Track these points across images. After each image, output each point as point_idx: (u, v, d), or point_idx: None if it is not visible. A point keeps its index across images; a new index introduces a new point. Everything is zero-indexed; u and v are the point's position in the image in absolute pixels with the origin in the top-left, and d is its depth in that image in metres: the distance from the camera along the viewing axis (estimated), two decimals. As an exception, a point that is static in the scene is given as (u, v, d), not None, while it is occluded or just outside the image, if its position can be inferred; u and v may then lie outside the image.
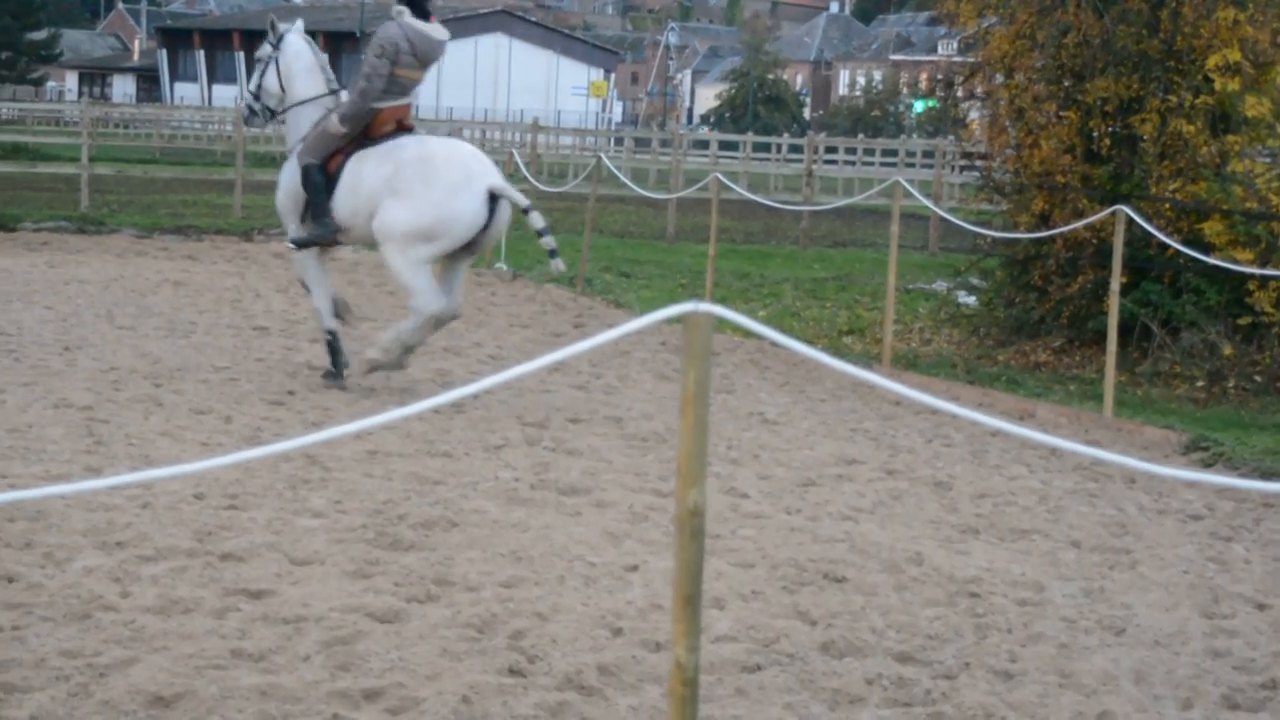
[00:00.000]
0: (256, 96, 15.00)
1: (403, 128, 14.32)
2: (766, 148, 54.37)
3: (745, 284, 24.13)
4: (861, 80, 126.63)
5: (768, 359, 17.18)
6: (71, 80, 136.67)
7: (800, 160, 43.36)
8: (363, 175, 13.97)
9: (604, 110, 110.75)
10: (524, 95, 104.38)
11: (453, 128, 63.23)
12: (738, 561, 9.10)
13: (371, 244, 14.46)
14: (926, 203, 21.85)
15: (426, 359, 15.61)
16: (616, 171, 26.80)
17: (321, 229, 14.16)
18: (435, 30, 14.31)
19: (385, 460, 11.13)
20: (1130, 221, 14.89)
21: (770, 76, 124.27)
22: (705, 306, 4.61)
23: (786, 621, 8.10)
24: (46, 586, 7.99)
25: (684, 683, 4.67)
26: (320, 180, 14.08)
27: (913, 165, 46.36)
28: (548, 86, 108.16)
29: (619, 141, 63.32)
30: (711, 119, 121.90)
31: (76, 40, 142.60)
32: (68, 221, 27.92)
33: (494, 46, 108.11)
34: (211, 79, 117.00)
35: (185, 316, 17.86)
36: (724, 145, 56.60)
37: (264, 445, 11.24)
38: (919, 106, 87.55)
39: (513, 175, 26.99)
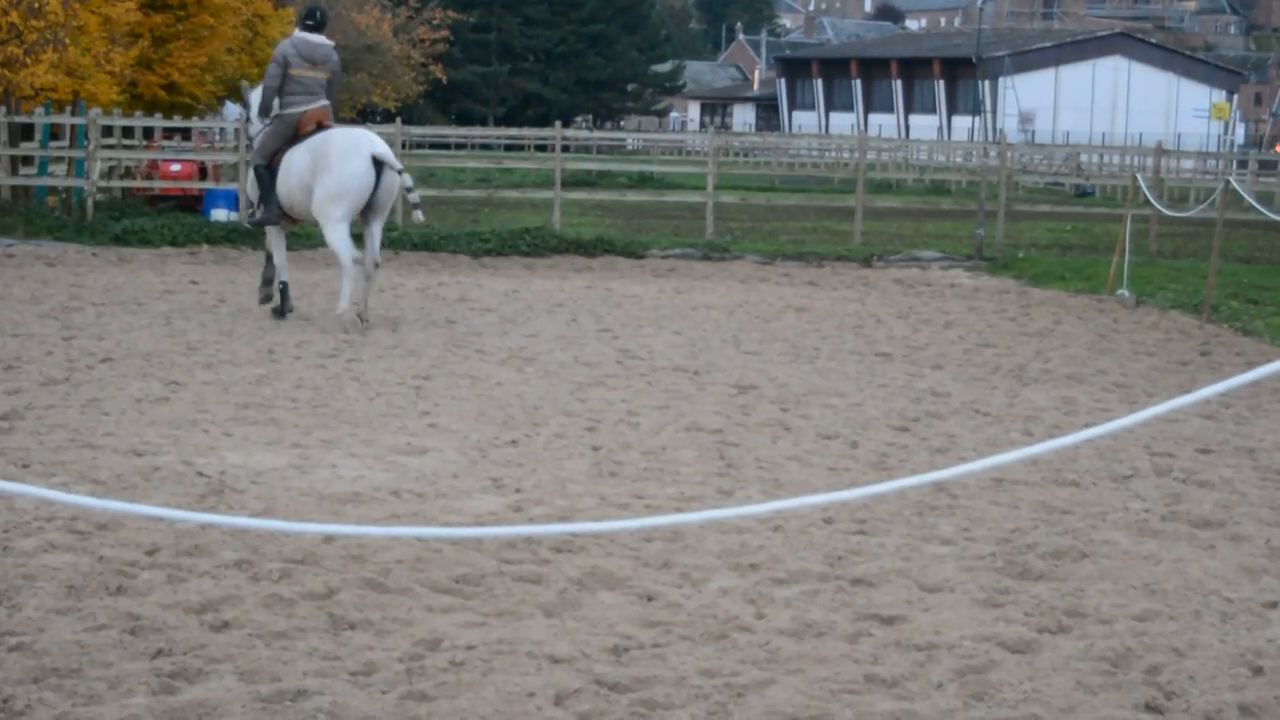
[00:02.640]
0: (247, 120, 20.62)
1: (322, 126, 18.53)
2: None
3: (1383, 311, 23.05)
4: None
5: None
6: (694, 110, 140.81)
7: None
8: (291, 165, 18.39)
9: (1226, 133, 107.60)
10: (1143, 118, 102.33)
11: (1070, 151, 62.43)
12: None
13: (314, 222, 18.83)
14: None
15: (1049, 386, 15.46)
16: (1245, 194, 25.99)
17: (268, 212, 18.68)
18: (319, 39, 18.74)
19: (1012, 488, 11.04)
20: None
21: None
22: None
23: None
24: (684, 606, 8.21)
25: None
26: (265, 175, 18.62)
27: None
28: (1167, 109, 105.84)
29: (1242, 164, 61.41)
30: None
31: (699, 71, 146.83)
32: (693, 248, 28.76)
33: (1112, 69, 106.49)
34: (829, 107, 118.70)
35: (809, 342, 18.14)
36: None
37: (891, 471, 11.35)
38: None
39: (1134, 199, 26.51)
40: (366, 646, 7.48)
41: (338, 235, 18.09)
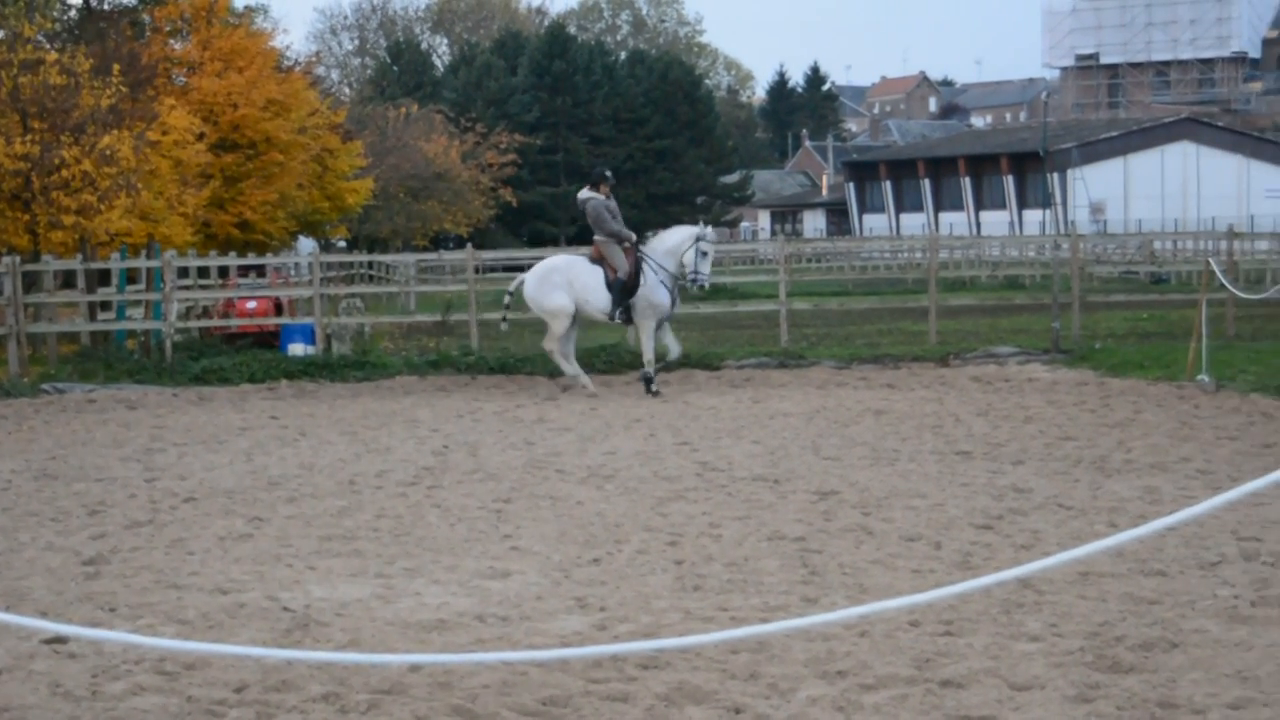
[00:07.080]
0: None
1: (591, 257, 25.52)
2: None
3: None
4: None
5: None
6: (764, 219, 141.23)
7: None
8: None
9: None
10: (1215, 202, 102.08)
11: (1143, 239, 62.26)
12: None
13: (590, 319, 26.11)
14: None
15: (1133, 476, 15.36)
16: (1320, 273, 25.82)
17: None
18: (584, 194, 25.25)
19: (1098, 581, 10.96)
20: None
21: None
22: None
23: None
24: (773, 717, 8.17)
25: None
26: None
27: None
28: (1239, 191, 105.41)
29: (1319, 243, 61.00)
30: None
31: (767, 180, 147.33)
32: (769, 357, 28.77)
33: (1181, 155, 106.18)
34: (899, 208, 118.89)
35: (888, 444, 18.09)
36: None
37: (975, 571, 11.28)
38: None
39: (1209, 284, 26.39)
40: (456, 773, 7.47)
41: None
